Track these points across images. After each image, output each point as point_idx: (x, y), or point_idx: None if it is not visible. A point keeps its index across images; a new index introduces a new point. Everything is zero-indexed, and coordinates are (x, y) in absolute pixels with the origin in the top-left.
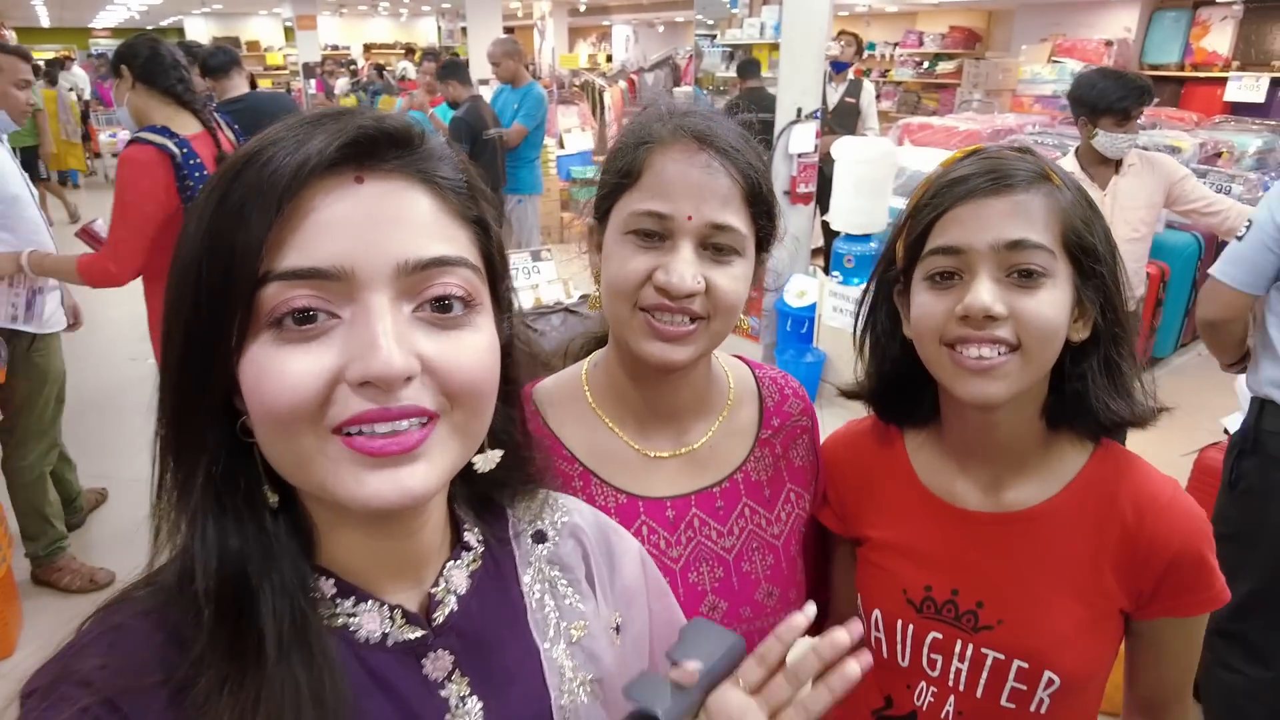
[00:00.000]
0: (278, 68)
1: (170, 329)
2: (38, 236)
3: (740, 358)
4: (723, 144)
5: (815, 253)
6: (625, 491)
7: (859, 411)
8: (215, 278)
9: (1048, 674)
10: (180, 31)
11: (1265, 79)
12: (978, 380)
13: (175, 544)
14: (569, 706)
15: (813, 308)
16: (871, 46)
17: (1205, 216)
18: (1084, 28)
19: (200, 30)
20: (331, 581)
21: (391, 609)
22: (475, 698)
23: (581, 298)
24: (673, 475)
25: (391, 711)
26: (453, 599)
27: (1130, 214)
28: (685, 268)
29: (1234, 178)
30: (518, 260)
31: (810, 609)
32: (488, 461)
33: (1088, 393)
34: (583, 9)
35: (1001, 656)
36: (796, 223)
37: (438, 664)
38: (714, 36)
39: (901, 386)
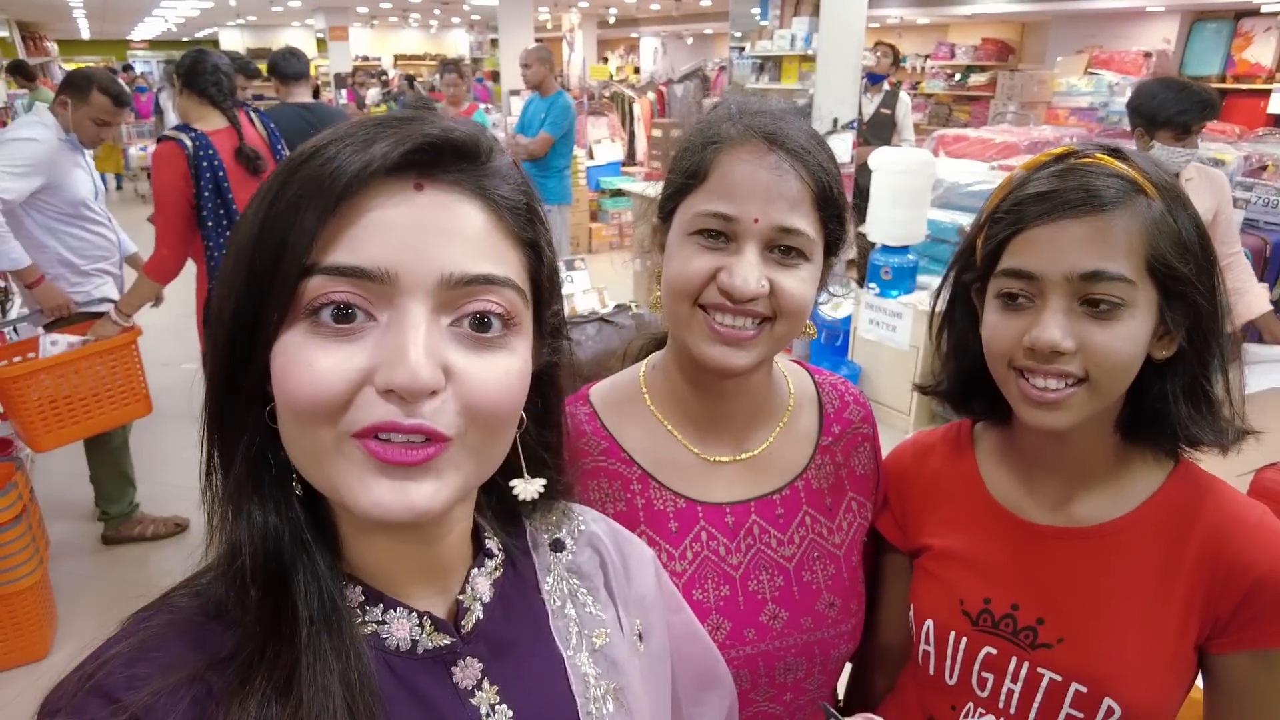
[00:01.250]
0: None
1: (219, 309)
2: (103, 234)
3: (799, 363)
4: (793, 145)
5: (849, 264)
6: (684, 496)
7: (894, 424)
8: (264, 264)
9: (1108, 702)
10: (215, 43)
11: None
12: (1042, 411)
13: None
14: (595, 714)
15: (848, 320)
16: (903, 59)
17: None
18: (1121, 39)
19: (235, 41)
20: (359, 589)
21: (420, 616)
22: (505, 706)
23: (617, 307)
24: (732, 481)
25: None
26: (479, 606)
27: None
28: (749, 271)
29: None
30: None
31: None
32: (529, 490)
33: (1168, 414)
34: (611, 21)
35: (1059, 678)
36: None
37: (467, 672)
38: (743, 48)
39: (980, 383)
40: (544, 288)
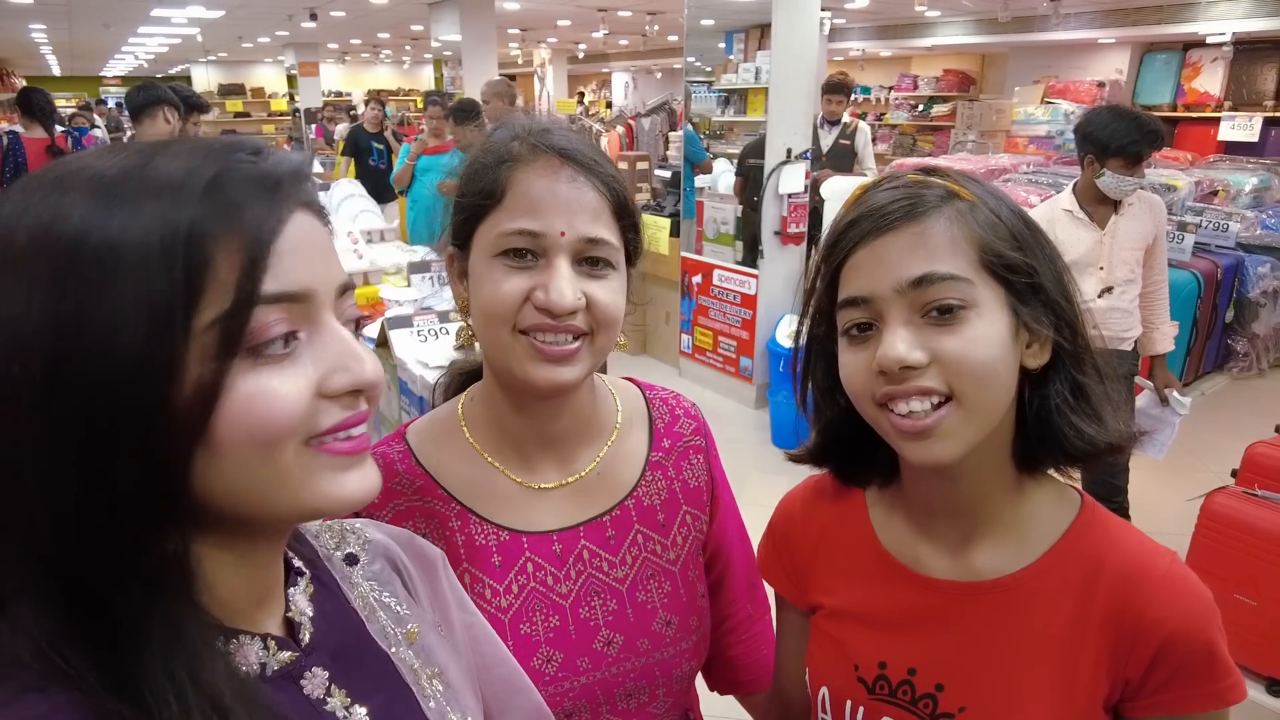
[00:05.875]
0: (282, 113)
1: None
2: None
3: (631, 380)
4: (584, 159)
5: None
6: (507, 528)
7: None
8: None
9: None
10: (188, 79)
11: (1258, 118)
12: (920, 443)
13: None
14: (431, 695)
15: None
16: (866, 90)
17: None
18: (1076, 70)
19: (205, 78)
20: None
21: (264, 638)
22: (358, 706)
23: None
24: (559, 507)
25: None
26: (308, 620)
27: (1129, 254)
28: (565, 285)
29: (1231, 215)
30: None
31: None
32: None
33: (1050, 420)
34: (581, 57)
35: None
36: (788, 263)
37: (315, 682)
38: (710, 82)
39: (853, 443)
40: None
